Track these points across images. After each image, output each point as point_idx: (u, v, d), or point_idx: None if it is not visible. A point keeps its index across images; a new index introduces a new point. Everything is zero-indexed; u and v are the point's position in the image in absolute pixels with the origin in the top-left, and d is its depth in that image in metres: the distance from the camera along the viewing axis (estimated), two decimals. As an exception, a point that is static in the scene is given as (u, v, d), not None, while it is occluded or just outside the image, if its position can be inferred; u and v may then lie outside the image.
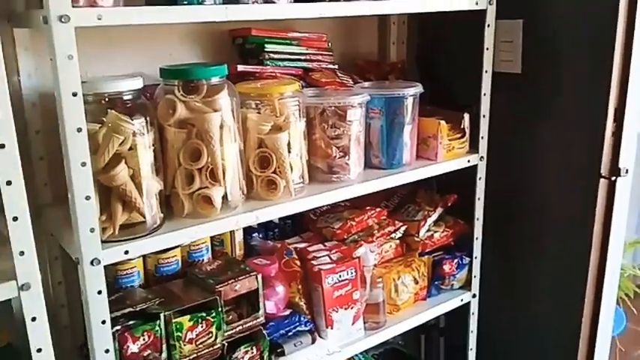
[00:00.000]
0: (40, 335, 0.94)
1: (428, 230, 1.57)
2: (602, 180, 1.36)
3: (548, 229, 1.53)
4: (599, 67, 1.31)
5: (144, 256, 1.24)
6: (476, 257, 1.59)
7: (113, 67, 1.24)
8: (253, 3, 1.08)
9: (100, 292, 1.00)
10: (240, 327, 1.24)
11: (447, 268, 1.57)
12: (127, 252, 1.03)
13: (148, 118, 1.04)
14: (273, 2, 1.09)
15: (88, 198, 0.95)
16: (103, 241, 1.00)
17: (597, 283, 1.49)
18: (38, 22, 0.90)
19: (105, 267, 1.00)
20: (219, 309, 1.18)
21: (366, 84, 1.46)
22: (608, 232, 1.43)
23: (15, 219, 0.87)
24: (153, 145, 1.06)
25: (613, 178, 1.37)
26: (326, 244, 1.46)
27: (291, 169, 1.21)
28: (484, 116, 1.46)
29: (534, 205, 1.55)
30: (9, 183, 0.85)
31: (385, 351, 1.84)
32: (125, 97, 1.02)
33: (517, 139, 1.53)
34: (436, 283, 1.58)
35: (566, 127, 1.42)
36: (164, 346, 1.13)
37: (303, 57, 1.41)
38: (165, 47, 1.33)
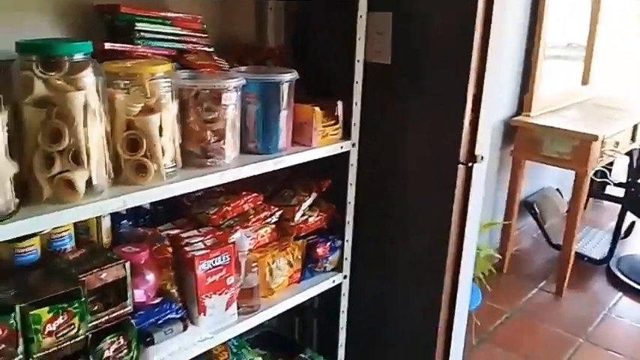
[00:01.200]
0: None
1: (303, 215, 1.61)
2: (460, 166, 1.47)
3: (413, 211, 1.63)
4: (459, 59, 1.41)
5: (-5, 246, 1.14)
6: (347, 240, 1.65)
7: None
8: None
9: (-57, 285, 0.91)
10: (107, 317, 1.19)
11: (320, 251, 1.61)
12: (-25, 240, 0.94)
13: (1, 96, 0.95)
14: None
15: None
16: (-54, 228, 0.91)
17: (456, 261, 1.61)
18: None
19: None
20: (82, 299, 1.12)
21: (243, 68, 1.45)
22: (466, 214, 1.56)
23: None
24: (7, 125, 0.97)
25: (470, 164, 1.48)
26: (200, 229, 1.44)
27: (163, 153, 1.17)
28: (356, 104, 1.51)
29: (401, 189, 1.64)
30: None
31: (260, 334, 1.86)
32: (-27, 72, 0.93)
33: (387, 127, 1.61)
34: (310, 266, 1.62)
35: (430, 117, 1.51)
36: (20, 340, 1.06)
37: (177, 38, 1.37)
38: (25, 21, 1.23)
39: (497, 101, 2.68)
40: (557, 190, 3.55)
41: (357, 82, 1.49)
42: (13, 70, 1.01)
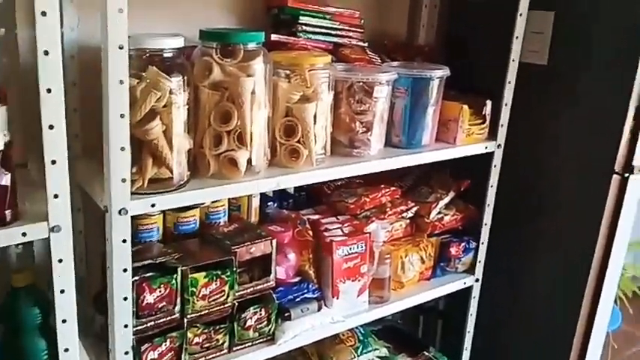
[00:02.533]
0: (65, 277, 0.97)
1: (438, 213, 1.60)
2: (614, 176, 1.39)
3: (557, 221, 1.56)
4: (623, 66, 1.33)
5: (164, 214, 1.27)
6: (483, 243, 1.63)
7: (152, 28, 1.25)
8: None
9: (124, 241, 1.03)
10: (252, 288, 1.28)
11: (453, 250, 1.60)
12: (153, 205, 1.06)
13: (185, 78, 1.06)
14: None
15: (123, 149, 0.98)
16: (132, 193, 1.02)
17: (598, 279, 1.52)
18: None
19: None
20: (234, 269, 1.22)
21: (395, 63, 1.48)
22: (615, 229, 1.46)
23: (53, 162, 0.90)
24: (187, 105, 1.09)
25: (626, 175, 1.40)
26: (339, 217, 1.50)
27: (315, 140, 1.24)
28: (506, 105, 1.48)
29: (546, 196, 1.58)
30: (51, 127, 0.88)
31: (384, 328, 1.89)
32: (165, 55, 1.04)
33: (536, 130, 1.56)
34: (442, 264, 1.62)
35: (585, 122, 1.44)
36: (178, 300, 1.17)
37: (334, 32, 1.43)
38: (203, 13, 1.36)
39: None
40: None
41: (509, 82, 1.46)
42: (195, 55, 1.12)
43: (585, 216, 1.48)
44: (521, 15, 1.41)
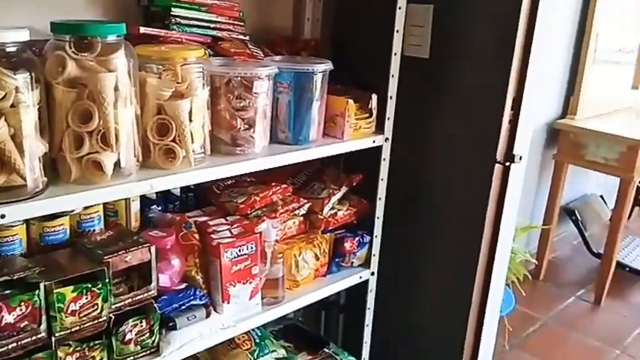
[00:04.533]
0: None
1: (332, 208, 1.58)
2: (497, 165, 1.43)
3: (446, 210, 1.59)
4: (500, 58, 1.37)
5: (28, 224, 1.16)
6: (376, 236, 1.62)
7: (8, 19, 1.15)
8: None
9: (-29, 259, 0.92)
10: (130, 299, 1.19)
11: (347, 245, 1.59)
12: (3, 216, 0.95)
13: (33, 74, 0.96)
14: (178, -39, 1.04)
15: (-42, 156, 0.87)
16: (-23, 204, 0.92)
17: (488, 264, 1.57)
18: None
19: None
20: (107, 280, 1.13)
21: (277, 58, 1.44)
22: (500, 216, 1.51)
23: None
24: (38, 104, 0.99)
25: (507, 164, 1.44)
26: (228, 218, 1.44)
27: (192, 139, 1.17)
28: (391, 98, 1.48)
29: (434, 187, 1.60)
30: None
31: (285, 327, 1.85)
32: (8, 50, 0.93)
33: (422, 123, 1.57)
34: (337, 260, 1.60)
35: (468, 114, 1.47)
36: (43, 317, 1.07)
37: (212, 25, 1.36)
38: (67, 7, 1.25)
39: (540, 102, 2.60)
40: (601, 197, 3.43)
41: (392, 76, 1.46)
42: (47, 50, 1.02)
43: (472, 205, 1.51)
44: (400, 9, 1.40)
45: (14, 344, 1.04)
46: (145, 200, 1.37)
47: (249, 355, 1.55)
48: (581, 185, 3.32)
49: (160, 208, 1.42)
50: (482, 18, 1.40)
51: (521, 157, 1.45)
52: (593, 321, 2.68)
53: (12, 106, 0.94)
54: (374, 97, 1.47)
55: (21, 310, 1.04)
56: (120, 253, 1.16)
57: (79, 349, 1.13)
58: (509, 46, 1.34)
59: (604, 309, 2.77)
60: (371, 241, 1.63)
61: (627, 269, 3.06)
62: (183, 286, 1.31)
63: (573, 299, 2.84)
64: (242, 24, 1.43)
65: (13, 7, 1.18)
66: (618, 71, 3.34)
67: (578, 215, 3.12)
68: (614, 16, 3.02)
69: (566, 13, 2.72)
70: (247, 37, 1.44)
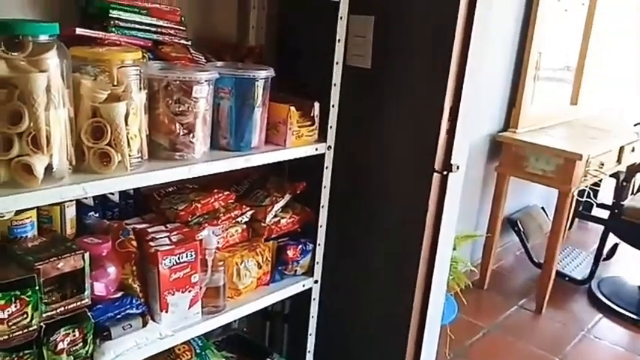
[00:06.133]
0: None
1: (275, 216, 1.58)
2: (435, 174, 1.46)
3: (387, 219, 1.61)
4: (437, 68, 1.41)
5: (-48, 229, 1.12)
6: (319, 244, 1.63)
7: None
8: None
9: None
10: (62, 308, 1.15)
11: (290, 253, 1.59)
12: None
13: (-43, 73, 0.93)
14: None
15: None
16: None
17: (428, 270, 1.59)
18: None
19: None
20: (37, 288, 1.09)
21: (219, 63, 1.43)
22: (439, 224, 1.54)
23: None
24: (-36, 104, 0.95)
25: (445, 173, 1.47)
26: (168, 225, 1.41)
27: (128, 143, 1.15)
28: (333, 106, 1.49)
29: (375, 194, 1.62)
30: None
31: (229, 337, 1.83)
32: None
33: (364, 132, 1.60)
34: (280, 268, 1.59)
35: (407, 124, 1.50)
36: (-32, 327, 1.03)
37: (152, 28, 1.34)
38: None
39: (481, 114, 2.69)
40: (542, 208, 3.55)
41: (334, 85, 1.47)
42: (-25, 49, 0.99)
43: (411, 213, 1.54)
44: (341, 19, 1.43)
45: None
46: (81, 206, 1.33)
47: (190, 366, 1.52)
48: (523, 197, 3.42)
49: (97, 215, 1.39)
50: (420, 29, 1.44)
51: (458, 167, 1.48)
52: (534, 329, 2.76)
53: None
54: (316, 105, 1.48)
55: (-57, 319, 1.00)
56: (51, 259, 1.12)
57: (8, 358, 1.09)
58: (446, 56, 1.38)
59: (545, 317, 2.85)
60: (314, 249, 1.63)
61: (567, 279, 3.17)
62: (119, 294, 1.28)
63: (516, 308, 2.92)
64: (184, 29, 1.42)
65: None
66: (562, 88, 3.48)
67: (520, 226, 3.22)
68: (558, 35, 3.15)
69: (508, 27, 2.81)
70: (189, 42, 1.43)
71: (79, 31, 1.20)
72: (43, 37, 1.01)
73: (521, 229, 3.22)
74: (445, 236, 1.57)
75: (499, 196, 2.94)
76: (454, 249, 1.81)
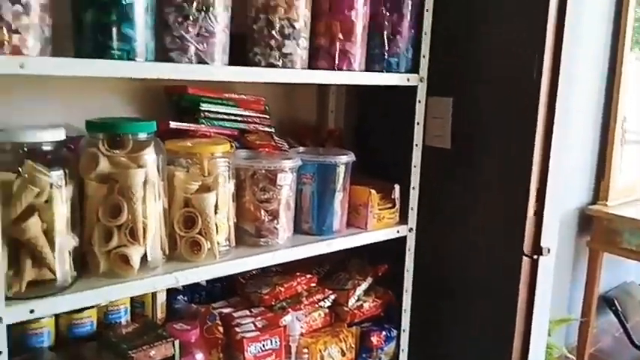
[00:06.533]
0: None
1: (357, 300, 1.55)
2: (524, 258, 1.39)
3: (474, 304, 1.54)
4: (521, 148, 1.37)
5: (56, 316, 1.17)
6: (404, 330, 1.57)
7: (46, 115, 1.21)
8: (187, 62, 1.08)
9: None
10: (152, 396, 1.17)
11: (374, 340, 1.54)
12: (32, 311, 0.97)
13: (67, 171, 1.01)
14: (207, 63, 1.10)
15: (-7, 251, 0.90)
16: (7, 298, 0.94)
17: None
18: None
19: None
20: (130, 375, 1.11)
21: (301, 149, 1.47)
22: (532, 309, 1.45)
23: None
24: (71, 199, 1.02)
25: (535, 257, 1.40)
26: (252, 309, 1.43)
27: (217, 231, 1.19)
28: (414, 188, 1.49)
29: (462, 279, 1.56)
30: None
31: None
32: (45, 148, 0.99)
33: (447, 213, 1.56)
34: (364, 355, 1.55)
35: (491, 205, 1.46)
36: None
37: (239, 118, 1.42)
38: (100, 99, 1.32)
39: (567, 188, 2.57)
40: (641, 285, 3.29)
41: (414, 166, 1.47)
42: (81, 147, 1.07)
43: (500, 300, 1.46)
44: (419, 102, 1.44)
45: None
46: (171, 290, 1.37)
47: None
48: (619, 272, 3.19)
49: (186, 298, 1.42)
50: (501, 109, 1.42)
51: (549, 250, 1.41)
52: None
53: (46, 201, 0.98)
54: (397, 187, 1.48)
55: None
56: (144, 348, 1.15)
57: None
58: (530, 135, 1.35)
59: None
60: (399, 336, 1.58)
61: (675, 363, 2.87)
62: (205, 381, 1.29)
63: (619, 396, 2.66)
64: (267, 117, 1.48)
65: (52, 104, 1.25)
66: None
67: (618, 305, 2.98)
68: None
69: (590, 96, 2.74)
70: (273, 129, 1.49)
71: (172, 124, 1.28)
72: (142, 135, 1.09)
73: (619, 308, 2.98)
74: (539, 323, 1.48)
75: (593, 273, 2.76)
76: (548, 334, 1.69)
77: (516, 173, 1.38)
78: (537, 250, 1.40)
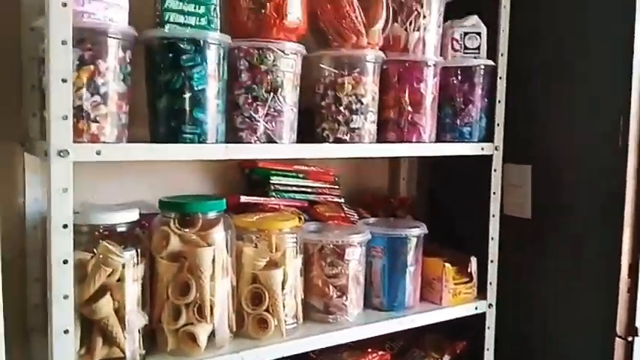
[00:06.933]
0: None
1: (434, 379, 1.47)
2: (617, 340, 1.27)
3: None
4: (609, 219, 1.27)
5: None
6: (485, 413, 1.46)
7: (124, 193, 1.26)
8: (255, 142, 1.10)
9: None
10: None
11: (453, 423, 1.44)
12: (99, 389, 0.97)
13: (139, 250, 1.03)
14: (275, 142, 1.11)
15: (66, 332, 0.91)
16: (77, 377, 0.95)
17: None
18: (41, 153, 0.93)
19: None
20: None
21: (371, 220, 1.44)
22: (629, 397, 1.31)
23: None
24: (142, 278, 1.04)
25: (630, 339, 1.27)
26: (324, 388, 1.38)
27: (284, 308, 1.17)
28: (492, 261, 1.41)
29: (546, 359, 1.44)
30: None
31: None
32: (119, 229, 1.02)
33: (528, 288, 1.46)
34: None
35: (579, 281, 1.35)
36: None
37: (308, 190, 1.42)
38: (175, 177, 1.35)
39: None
40: None
41: (492, 239, 1.40)
42: (154, 225, 1.10)
43: (593, 382, 1.33)
44: (495, 170, 1.38)
45: None
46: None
47: None
48: None
49: (253, 374, 1.39)
50: (586, 176, 1.33)
51: (646, 330, 1.28)
52: None
53: (118, 280, 1.00)
54: (473, 260, 1.41)
55: None
56: None
57: None
58: (618, 205, 1.25)
59: None
60: (479, 419, 1.47)
61: None
62: None
63: None
64: (337, 187, 1.47)
65: (127, 183, 1.30)
66: None
67: None
68: None
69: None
70: (342, 200, 1.47)
71: (243, 199, 1.30)
72: (212, 214, 1.10)
73: None
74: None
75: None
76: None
77: (605, 247, 1.28)
78: (632, 330, 1.28)
